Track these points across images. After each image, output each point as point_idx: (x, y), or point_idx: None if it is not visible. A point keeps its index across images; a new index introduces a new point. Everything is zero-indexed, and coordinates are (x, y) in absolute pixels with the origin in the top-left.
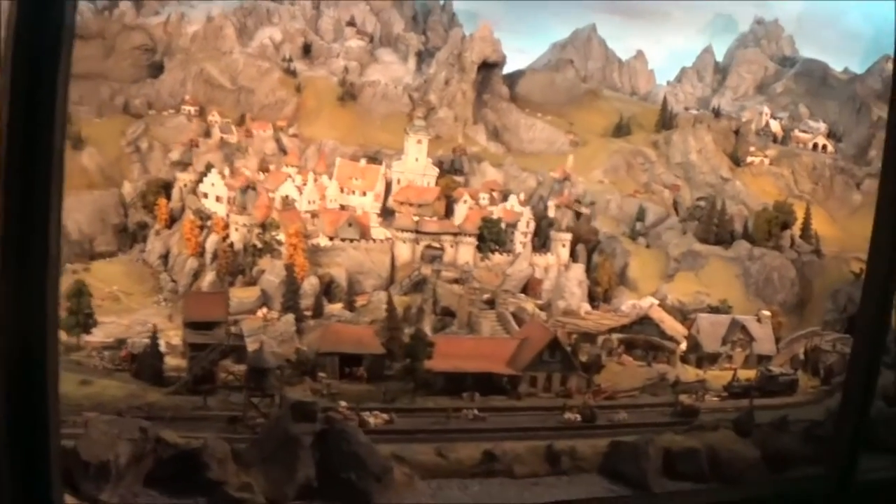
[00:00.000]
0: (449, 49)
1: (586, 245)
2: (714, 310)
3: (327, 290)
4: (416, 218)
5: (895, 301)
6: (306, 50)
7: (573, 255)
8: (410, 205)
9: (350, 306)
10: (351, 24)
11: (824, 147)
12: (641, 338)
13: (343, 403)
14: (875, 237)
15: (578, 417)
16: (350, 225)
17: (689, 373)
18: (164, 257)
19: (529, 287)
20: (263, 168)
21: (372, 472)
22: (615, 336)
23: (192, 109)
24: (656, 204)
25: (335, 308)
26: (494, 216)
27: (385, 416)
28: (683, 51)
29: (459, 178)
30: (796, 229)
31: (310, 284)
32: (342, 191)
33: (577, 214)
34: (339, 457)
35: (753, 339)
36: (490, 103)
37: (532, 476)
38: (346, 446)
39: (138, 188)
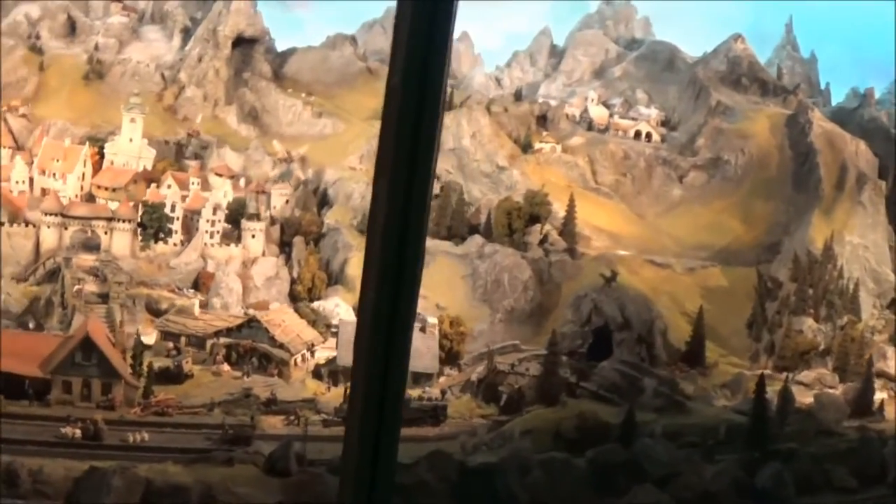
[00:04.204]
0: (206, 24)
1: (306, 237)
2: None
3: None
4: (65, 200)
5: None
6: (73, 28)
7: (287, 248)
8: (106, 189)
9: None
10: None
11: (648, 135)
12: (248, 344)
13: None
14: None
15: (77, 433)
16: None
17: (307, 389)
18: None
19: (201, 281)
20: None
21: None
22: (223, 340)
23: None
24: None
25: None
26: (168, 201)
27: None
28: (526, 34)
29: (194, 162)
30: (553, 224)
31: None
32: (43, 173)
33: (321, 205)
34: None
35: None
36: (250, 82)
37: None
38: None
39: None
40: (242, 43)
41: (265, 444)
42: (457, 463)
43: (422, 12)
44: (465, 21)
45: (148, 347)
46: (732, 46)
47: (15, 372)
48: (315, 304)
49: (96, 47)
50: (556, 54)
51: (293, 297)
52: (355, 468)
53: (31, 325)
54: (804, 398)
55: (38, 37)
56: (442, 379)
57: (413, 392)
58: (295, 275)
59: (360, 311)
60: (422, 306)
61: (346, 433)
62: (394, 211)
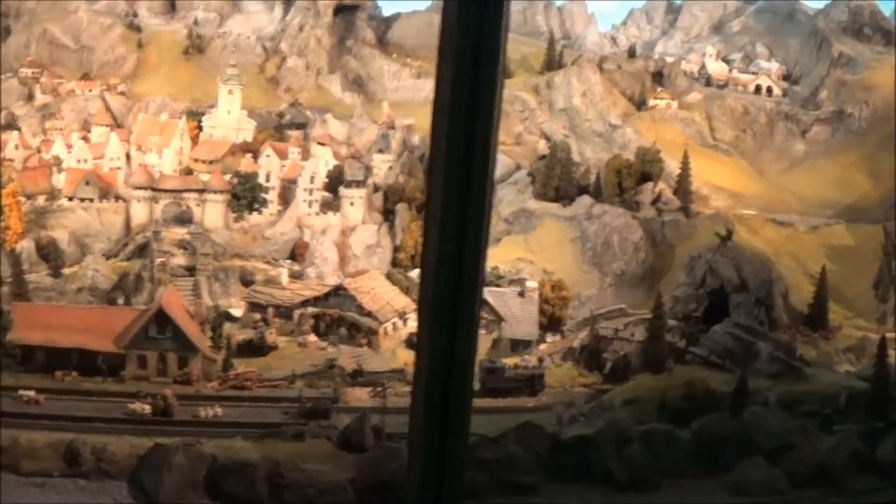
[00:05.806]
0: None
1: (410, 204)
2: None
3: (48, 254)
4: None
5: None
6: (172, 5)
7: (391, 216)
8: (203, 161)
9: (56, 273)
10: None
11: (769, 90)
12: (335, 313)
13: None
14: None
15: (147, 409)
16: (88, 183)
17: (397, 359)
18: None
19: (298, 251)
20: (87, 128)
21: None
22: (310, 310)
23: (31, 72)
24: (523, 157)
25: (36, 275)
26: (262, 171)
27: None
28: None
29: (295, 132)
30: (668, 183)
31: (21, 248)
32: (140, 149)
33: (429, 171)
34: None
35: (502, 320)
36: (354, 50)
37: (42, 475)
38: None
39: None
40: (344, 10)
41: (346, 417)
42: (548, 436)
43: None
44: None
45: (234, 319)
46: None
47: (88, 348)
48: (413, 273)
49: (196, 22)
50: (673, 11)
51: (396, 266)
52: (422, 439)
53: (119, 301)
54: None
55: (135, 14)
56: (543, 346)
57: (510, 360)
58: (398, 242)
59: (422, 268)
60: (528, 271)
61: (411, 402)
62: (454, 154)
